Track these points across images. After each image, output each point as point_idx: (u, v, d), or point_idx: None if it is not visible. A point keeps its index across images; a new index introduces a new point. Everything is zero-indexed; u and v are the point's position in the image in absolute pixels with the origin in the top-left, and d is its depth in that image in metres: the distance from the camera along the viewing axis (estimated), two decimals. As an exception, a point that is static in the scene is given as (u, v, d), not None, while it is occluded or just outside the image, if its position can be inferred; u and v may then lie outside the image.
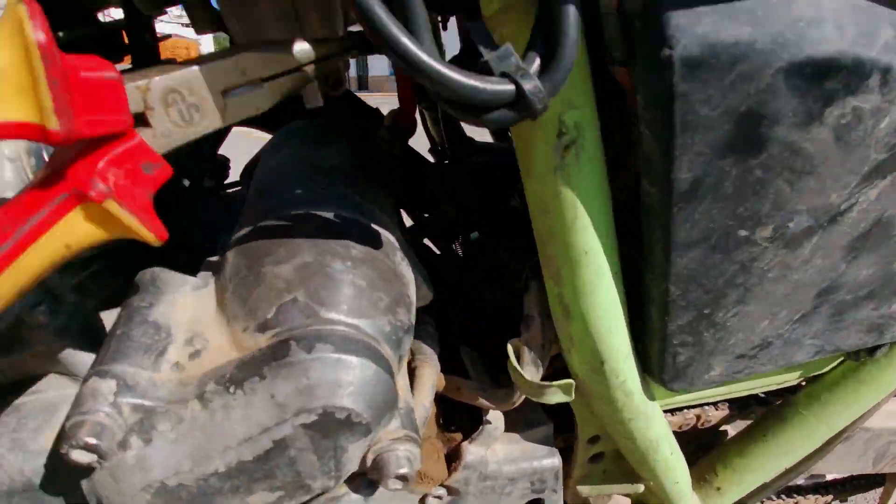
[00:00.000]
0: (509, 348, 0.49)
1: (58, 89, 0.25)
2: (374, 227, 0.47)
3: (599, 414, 0.54)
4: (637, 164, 0.39)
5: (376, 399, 0.37)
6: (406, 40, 0.28)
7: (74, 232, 0.29)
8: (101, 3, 0.50)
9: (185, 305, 0.43)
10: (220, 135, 0.69)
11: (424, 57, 0.28)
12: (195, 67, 0.33)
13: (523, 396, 0.51)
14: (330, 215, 0.45)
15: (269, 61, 0.37)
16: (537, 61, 0.31)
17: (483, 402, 0.53)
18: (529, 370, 0.49)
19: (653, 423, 0.54)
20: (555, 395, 0.47)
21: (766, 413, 0.69)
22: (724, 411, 0.72)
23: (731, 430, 0.77)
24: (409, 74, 0.29)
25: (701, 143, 0.34)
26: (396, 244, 0.48)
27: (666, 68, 0.32)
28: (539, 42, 0.32)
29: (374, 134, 0.63)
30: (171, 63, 0.35)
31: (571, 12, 0.30)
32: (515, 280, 0.64)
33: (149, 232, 0.32)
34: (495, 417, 0.56)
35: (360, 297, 0.40)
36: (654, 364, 0.48)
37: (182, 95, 0.33)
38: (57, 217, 0.28)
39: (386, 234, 0.47)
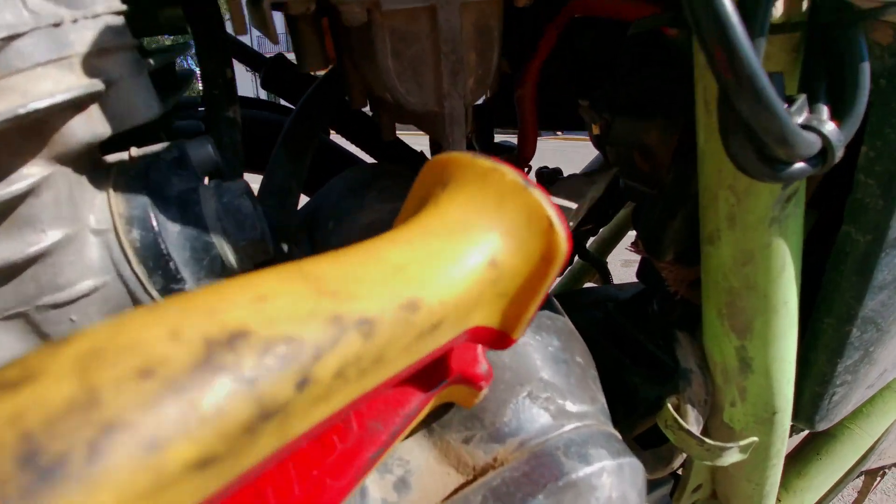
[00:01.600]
0: (668, 406, 0.46)
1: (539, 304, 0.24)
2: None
3: (739, 461, 0.53)
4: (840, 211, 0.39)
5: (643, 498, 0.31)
6: (767, 82, 0.25)
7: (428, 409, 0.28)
8: (156, 30, 0.38)
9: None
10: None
11: (777, 101, 0.25)
12: None
13: (684, 458, 0.47)
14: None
15: None
16: (825, 112, 0.30)
17: (633, 471, 0.48)
18: (694, 429, 0.46)
19: (781, 463, 0.54)
20: (732, 456, 0.45)
21: (815, 433, 0.73)
22: (776, 435, 0.75)
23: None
24: (748, 111, 0.25)
25: (922, 192, 0.35)
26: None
27: (916, 123, 0.32)
28: (820, 92, 0.30)
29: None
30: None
31: (867, 68, 0.29)
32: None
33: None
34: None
35: (585, 377, 0.34)
36: (806, 406, 0.48)
37: None
38: (428, 401, 0.26)
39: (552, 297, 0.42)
